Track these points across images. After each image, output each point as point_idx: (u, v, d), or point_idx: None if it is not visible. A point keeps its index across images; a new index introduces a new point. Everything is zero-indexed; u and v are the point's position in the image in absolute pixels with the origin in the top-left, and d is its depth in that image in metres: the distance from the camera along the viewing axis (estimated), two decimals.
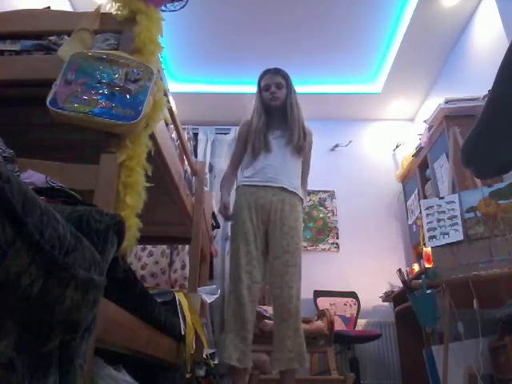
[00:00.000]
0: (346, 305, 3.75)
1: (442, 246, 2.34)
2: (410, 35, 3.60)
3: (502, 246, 2.15)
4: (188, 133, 4.29)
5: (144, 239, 1.31)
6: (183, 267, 3.01)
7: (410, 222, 4.13)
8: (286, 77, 2.27)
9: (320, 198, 4.46)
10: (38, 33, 1.45)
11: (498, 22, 3.03)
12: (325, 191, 4.46)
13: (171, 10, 2.02)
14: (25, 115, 1.53)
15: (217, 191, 4.14)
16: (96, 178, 1.15)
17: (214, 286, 2.55)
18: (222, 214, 2.14)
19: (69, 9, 3.33)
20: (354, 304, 3.77)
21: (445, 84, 3.99)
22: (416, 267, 3.77)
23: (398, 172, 4.37)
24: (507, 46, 0.96)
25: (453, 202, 2.40)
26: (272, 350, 1.98)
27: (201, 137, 4.56)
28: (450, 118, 3.16)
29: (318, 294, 3.76)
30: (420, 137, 3.78)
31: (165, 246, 3.06)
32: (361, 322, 3.78)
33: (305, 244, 4.13)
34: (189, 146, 2.86)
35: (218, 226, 3.36)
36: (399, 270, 2.71)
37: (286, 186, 2.08)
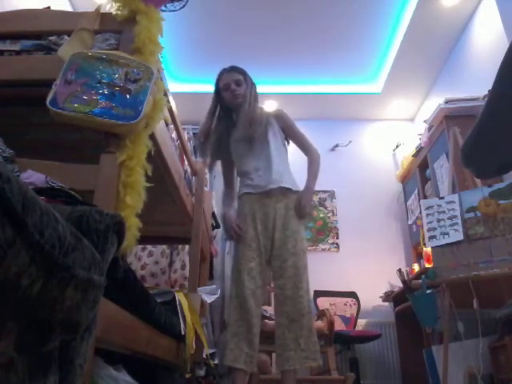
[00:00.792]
0: (346, 305, 3.75)
1: (441, 246, 2.34)
2: (410, 35, 3.60)
3: (501, 246, 2.15)
4: (188, 133, 4.29)
5: (144, 239, 1.31)
6: (183, 267, 3.01)
7: (410, 222, 4.13)
8: (243, 72, 2.23)
9: (320, 198, 4.46)
10: (38, 33, 1.46)
11: (498, 22, 3.04)
12: (325, 191, 4.46)
13: (171, 10, 2.02)
14: (25, 115, 1.53)
15: (217, 191, 4.16)
16: (96, 178, 1.15)
17: (214, 286, 2.55)
18: (234, 234, 2.07)
19: (69, 9, 3.33)
20: (354, 304, 3.77)
21: (445, 84, 3.99)
22: (416, 267, 3.77)
23: (398, 172, 4.37)
24: (507, 45, 0.96)
25: (453, 201, 2.40)
26: (276, 350, 1.97)
27: None
28: (450, 118, 3.16)
29: (318, 293, 3.75)
30: (420, 137, 3.79)
31: (165, 246, 3.06)
32: (361, 322, 3.78)
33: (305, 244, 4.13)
34: (189, 146, 2.86)
35: (217, 226, 3.35)
36: (399, 270, 2.71)
37: (288, 186, 2.07)
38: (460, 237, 2.29)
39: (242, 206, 2.12)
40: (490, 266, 2.15)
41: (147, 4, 1.39)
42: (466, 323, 2.30)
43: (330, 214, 4.41)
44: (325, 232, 4.34)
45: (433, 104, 3.65)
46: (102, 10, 1.47)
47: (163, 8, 1.62)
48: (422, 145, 3.70)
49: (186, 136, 2.45)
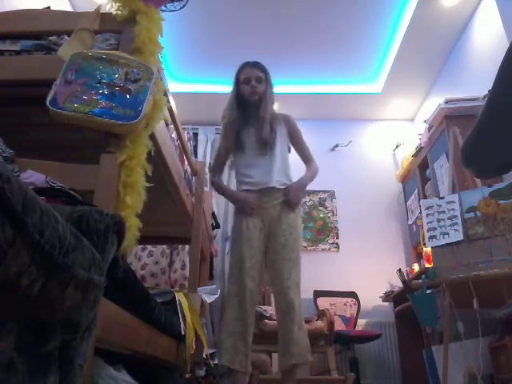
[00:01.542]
0: (346, 305, 3.75)
1: (441, 246, 2.34)
2: (410, 35, 3.60)
3: (501, 246, 2.15)
4: (188, 133, 4.29)
5: (144, 239, 1.31)
6: (183, 267, 3.01)
7: (410, 222, 4.12)
8: (265, 71, 2.24)
9: (320, 198, 4.46)
10: (38, 33, 1.46)
11: (498, 22, 3.03)
12: (325, 191, 4.46)
13: (171, 10, 2.02)
14: (25, 115, 1.53)
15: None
16: (96, 178, 1.15)
17: (214, 286, 2.54)
18: (248, 209, 2.07)
19: (69, 9, 3.33)
20: (354, 304, 3.77)
21: (445, 84, 3.99)
22: (416, 267, 3.77)
23: (398, 172, 4.37)
24: (507, 45, 0.96)
25: (453, 201, 2.40)
26: (276, 350, 1.99)
27: (201, 137, 4.56)
28: (450, 118, 3.16)
29: (318, 294, 3.75)
30: (420, 137, 3.78)
31: (165, 246, 3.06)
32: (361, 322, 3.78)
33: (305, 244, 4.13)
34: (189, 145, 2.86)
35: (218, 226, 3.36)
36: (399, 270, 2.71)
37: (281, 186, 2.09)
38: (460, 237, 2.29)
39: None
40: (490, 266, 2.15)
41: (147, 4, 1.39)
42: (466, 323, 2.30)
43: (329, 214, 4.41)
44: (325, 232, 4.34)
45: (433, 104, 3.65)
46: (102, 10, 1.47)
47: (163, 8, 1.62)
48: (422, 145, 3.70)
49: (185, 136, 2.45)
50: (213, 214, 3.13)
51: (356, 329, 3.67)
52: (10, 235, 0.47)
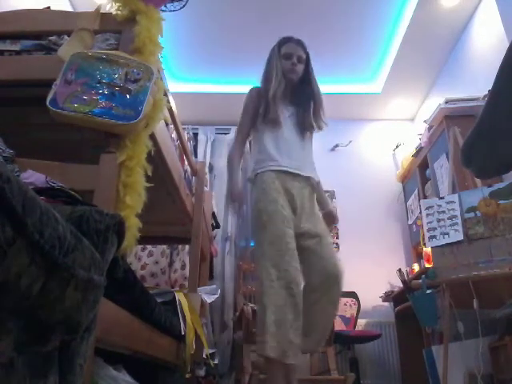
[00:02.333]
0: (345, 305, 3.75)
1: (441, 245, 2.34)
2: (410, 35, 3.60)
3: (501, 246, 2.15)
4: (188, 133, 4.29)
5: (144, 239, 1.31)
6: (183, 267, 3.01)
7: (410, 222, 4.12)
8: (307, 52, 2.13)
9: None
10: (38, 33, 1.46)
11: (498, 22, 3.03)
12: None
13: (171, 10, 2.02)
14: (25, 115, 1.53)
15: (217, 191, 4.16)
16: (96, 178, 1.15)
17: (214, 286, 2.54)
18: (236, 197, 1.97)
19: (69, 9, 3.33)
20: (354, 304, 3.77)
21: (445, 84, 3.99)
22: (416, 267, 3.77)
23: (398, 172, 4.36)
24: (507, 46, 0.96)
25: (453, 201, 2.40)
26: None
27: (201, 137, 4.56)
28: (450, 118, 3.16)
29: None
30: (420, 137, 3.78)
31: (165, 246, 3.06)
32: (361, 322, 3.78)
33: None
34: (189, 146, 2.87)
35: (218, 226, 3.36)
36: (399, 270, 2.71)
37: (312, 176, 2.02)
38: (460, 237, 2.29)
39: (270, 180, 1.91)
40: (490, 266, 2.14)
41: (147, 4, 1.39)
42: (465, 323, 2.30)
43: None
44: None
45: (433, 104, 3.65)
46: (102, 10, 1.47)
47: (163, 8, 1.63)
48: (422, 145, 3.70)
49: (185, 136, 2.45)
50: (213, 214, 3.13)
51: (356, 329, 3.66)
52: (10, 235, 0.47)
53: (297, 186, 1.95)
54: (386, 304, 3.93)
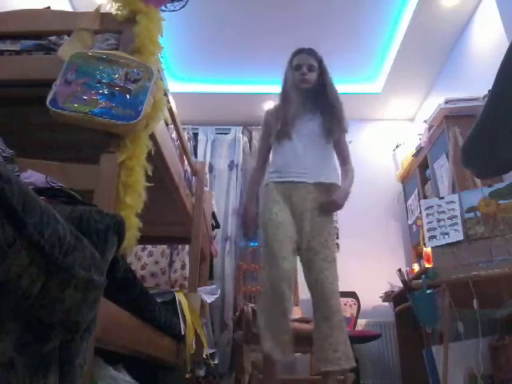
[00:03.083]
0: (346, 305, 3.75)
1: (441, 245, 2.34)
2: (410, 35, 3.60)
3: (501, 246, 2.15)
4: (188, 133, 4.30)
5: (144, 239, 1.31)
6: (183, 267, 3.01)
7: (410, 222, 4.12)
8: (319, 59, 2.16)
9: None
10: (38, 33, 1.46)
11: (498, 22, 3.03)
12: None
13: (171, 10, 2.02)
14: (25, 115, 1.53)
15: (216, 191, 4.16)
16: (96, 178, 1.15)
17: (214, 286, 2.55)
18: (248, 230, 2.04)
19: (69, 9, 3.33)
20: (354, 304, 3.77)
21: (445, 84, 3.99)
22: (416, 267, 3.77)
23: (398, 172, 4.36)
24: (507, 46, 0.96)
25: (453, 201, 2.40)
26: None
27: (201, 137, 4.56)
28: (450, 118, 3.16)
29: None
30: (420, 137, 3.78)
31: (165, 246, 3.06)
32: (361, 322, 3.78)
33: None
34: (189, 145, 2.87)
35: (218, 226, 3.36)
36: (399, 270, 2.71)
37: (322, 180, 2.01)
38: (460, 237, 2.29)
39: (269, 192, 1.99)
40: (490, 266, 2.14)
41: (147, 4, 1.39)
42: (465, 323, 2.30)
43: None
44: None
45: (433, 104, 3.65)
46: (102, 10, 1.47)
47: (163, 8, 1.63)
48: (422, 145, 3.70)
49: (186, 136, 2.45)
50: (213, 214, 3.13)
51: (356, 329, 3.67)
52: (10, 235, 0.47)
53: (299, 194, 1.96)
54: (386, 304, 3.93)
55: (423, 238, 3.33)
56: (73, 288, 0.61)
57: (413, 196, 4.04)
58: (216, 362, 2.45)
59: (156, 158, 1.51)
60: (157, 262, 2.99)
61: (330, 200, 1.99)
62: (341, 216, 4.39)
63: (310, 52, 2.18)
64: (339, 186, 2.10)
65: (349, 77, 4.28)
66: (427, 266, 3.20)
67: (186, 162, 2.27)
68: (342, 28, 3.68)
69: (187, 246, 2.96)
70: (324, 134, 2.07)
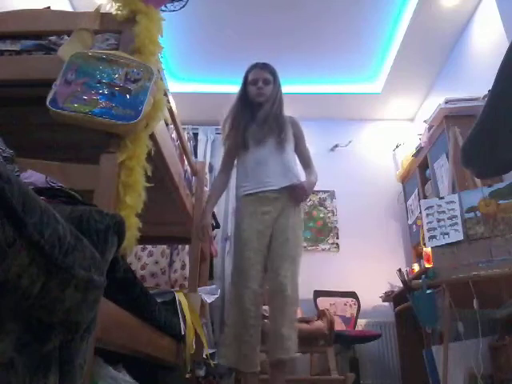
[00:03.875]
0: (345, 305, 3.75)
1: (442, 245, 2.34)
2: (410, 35, 3.60)
3: (501, 246, 2.15)
4: (188, 133, 4.29)
5: (144, 239, 1.31)
6: (183, 267, 3.01)
7: (410, 222, 4.12)
8: (273, 73, 2.25)
9: (320, 198, 4.46)
10: (38, 33, 1.46)
11: (498, 22, 3.03)
12: (325, 191, 4.46)
13: (171, 10, 2.02)
14: (25, 115, 1.53)
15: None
16: (96, 178, 1.15)
17: (214, 286, 2.55)
18: (198, 235, 2.12)
19: (69, 9, 3.33)
20: (354, 304, 3.77)
21: (445, 84, 3.99)
22: (416, 267, 3.77)
23: (398, 172, 4.36)
24: (507, 46, 0.96)
25: (453, 201, 2.40)
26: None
27: (201, 137, 4.56)
28: (449, 118, 3.16)
29: (318, 294, 3.75)
30: (420, 137, 3.78)
31: (165, 246, 3.06)
32: (361, 322, 3.78)
33: (305, 244, 4.13)
34: (189, 145, 2.87)
35: (218, 226, 3.35)
36: (399, 270, 2.71)
37: (286, 184, 2.06)
38: (460, 237, 2.29)
39: (240, 206, 2.12)
40: (490, 266, 2.14)
41: (147, 4, 1.39)
42: (465, 323, 2.30)
43: (329, 214, 4.41)
44: (325, 232, 4.33)
45: (433, 104, 3.65)
46: (102, 10, 1.47)
47: (163, 8, 1.63)
48: (422, 145, 3.70)
49: (185, 136, 2.45)
50: (213, 213, 3.12)
51: (356, 329, 3.67)
52: (10, 235, 0.47)
53: (267, 203, 2.05)
54: (386, 304, 3.93)
55: (423, 238, 3.33)
56: (73, 288, 0.61)
57: (413, 196, 4.04)
58: (216, 362, 2.45)
59: (156, 158, 1.51)
60: (157, 262, 2.99)
61: (298, 184, 2.06)
62: (341, 216, 4.40)
63: (265, 66, 2.26)
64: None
65: (349, 77, 4.28)
66: (427, 265, 3.20)
67: (186, 162, 2.27)
68: (342, 28, 3.68)
69: (187, 246, 2.96)
70: (279, 142, 2.14)
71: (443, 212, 2.41)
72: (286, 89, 4.36)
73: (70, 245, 0.60)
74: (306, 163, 2.28)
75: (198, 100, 4.37)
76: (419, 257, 3.87)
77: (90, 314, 0.70)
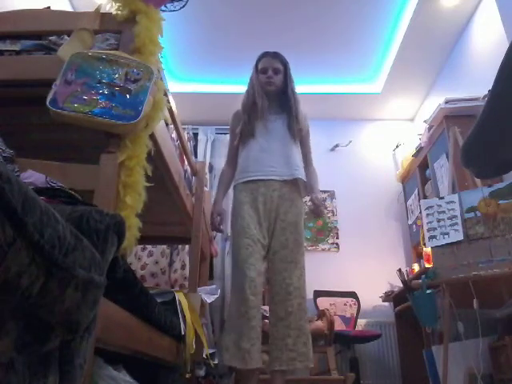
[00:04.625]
0: (345, 305, 3.75)
1: (442, 245, 2.34)
2: (410, 35, 3.60)
3: (501, 246, 2.15)
4: (188, 133, 4.29)
5: (144, 239, 1.31)
6: (183, 267, 3.01)
7: (410, 222, 4.12)
8: (284, 62, 2.23)
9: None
10: (38, 33, 1.45)
11: (498, 22, 3.03)
12: (325, 191, 4.45)
13: (171, 10, 2.02)
14: (25, 115, 1.53)
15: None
16: (96, 177, 1.15)
17: (214, 286, 2.54)
18: (213, 224, 2.16)
19: (69, 9, 3.33)
20: (354, 304, 3.77)
21: (445, 84, 3.99)
22: (416, 267, 3.77)
23: (398, 172, 4.36)
24: (507, 45, 0.96)
25: (453, 201, 2.40)
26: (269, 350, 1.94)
27: (201, 137, 4.56)
28: (449, 118, 3.16)
29: (318, 294, 3.76)
30: (420, 137, 3.78)
31: (165, 246, 3.06)
32: (361, 322, 3.78)
33: (305, 244, 4.10)
34: (189, 145, 2.86)
35: None
36: (399, 270, 2.71)
37: (289, 177, 2.06)
38: (460, 237, 2.29)
39: (238, 193, 2.11)
40: (490, 266, 2.14)
41: (147, 4, 1.39)
42: (465, 323, 2.30)
43: (329, 214, 4.41)
44: (325, 232, 4.33)
45: (433, 104, 3.65)
46: (102, 10, 1.47)
47: (163, 8, 1.63)
48: (422, 145, 3.70)
49: (186, 136, 2.45)
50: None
51: (356, 329, 3.67)
52: (10, 235, 0.47)
53: (266, 193, 2.03)
54: (386, 304, 3.93)
55: (423, 238, 3.33)
56: (73, 288, 0.61)
57: (413, 196, 4.04)
58: (216, 362, 2.45)
59: (156, 157, 1.51)
60: (157, 262, 2.99)
61: (317, 207, 2.09)
62: (341, 216, 4.40)
63: (275, 55, 2.23)
64: (304, 180, 2.14)
65: (349, 77, 4.28)
66: (427, 265, 3.20)
67: (186, 162, 2.27)
68: (341, 28, 3.68)
69: (187, 246, 2.96)
70: (288, 133, 2.14)
71: (443, 212, 2.41)
72: None
73: (70, 245, 0.60)
74: (307, 160, 2.27)
75: (198, 100, 4.37)
76: (419, 257, 3.87)
77: (90, 314, 0.70)
